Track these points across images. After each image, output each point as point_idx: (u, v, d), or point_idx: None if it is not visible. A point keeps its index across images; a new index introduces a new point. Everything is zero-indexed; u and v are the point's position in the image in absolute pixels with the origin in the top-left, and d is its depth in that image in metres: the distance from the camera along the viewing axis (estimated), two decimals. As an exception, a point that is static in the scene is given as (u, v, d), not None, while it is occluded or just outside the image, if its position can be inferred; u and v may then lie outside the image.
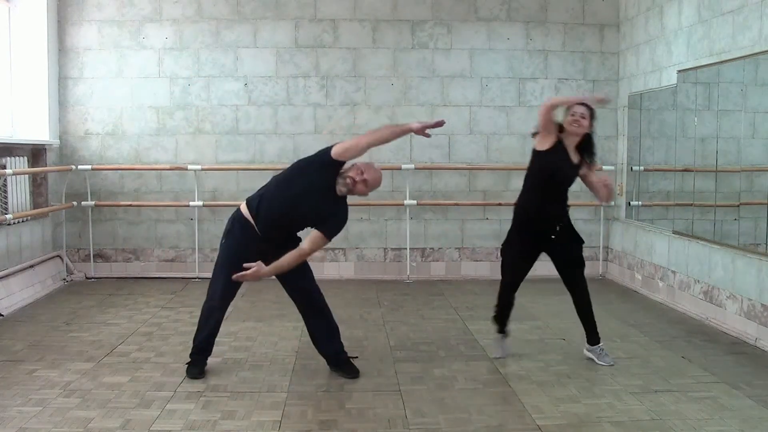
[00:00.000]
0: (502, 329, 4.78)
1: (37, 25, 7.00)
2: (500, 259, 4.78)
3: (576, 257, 4.66)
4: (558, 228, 4.56)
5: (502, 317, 4.77)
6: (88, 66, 7.36)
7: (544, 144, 4.47)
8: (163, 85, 7.40)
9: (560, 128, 4.48)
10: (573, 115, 4.43)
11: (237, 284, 4.23)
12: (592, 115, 4.46)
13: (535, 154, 4.53)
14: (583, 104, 4.48)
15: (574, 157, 4.49)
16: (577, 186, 4.68)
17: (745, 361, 4.70)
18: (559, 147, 4.46)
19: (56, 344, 4.99)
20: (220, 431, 3.54)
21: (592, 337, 4.67)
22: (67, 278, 7.20)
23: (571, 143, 4.48)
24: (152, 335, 5.26)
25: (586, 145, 4.52)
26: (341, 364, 4.41)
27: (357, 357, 4.53)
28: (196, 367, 4.35)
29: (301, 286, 4.36)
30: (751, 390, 4.11)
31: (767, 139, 5.20)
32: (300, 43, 7.44)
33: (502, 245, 4.75)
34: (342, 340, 4.48)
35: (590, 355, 4.66)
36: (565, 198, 4.62)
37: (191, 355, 4.40)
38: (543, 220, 4.55)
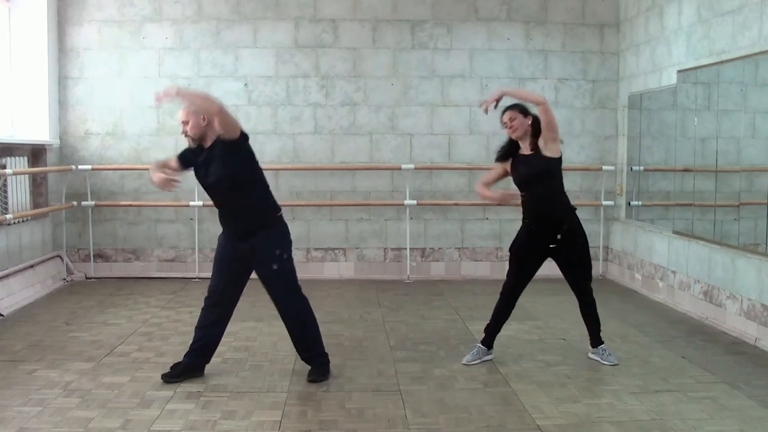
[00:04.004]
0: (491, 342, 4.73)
1: (37, 25, 7.00)
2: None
3: (584, 261, 4.61)
4: (564, 229, 4.48)
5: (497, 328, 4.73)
6: (88, 66, 7.36)
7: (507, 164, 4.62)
8: (163, 85, 7.34)
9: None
10: (504, 125, 4.49)
11: (230, 288, 4.37)
12: (521, 110, 4.46)
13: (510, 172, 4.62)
14: (507, 109, 4.48)
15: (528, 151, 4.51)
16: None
17: (745, 361, 4.70)
18: (516, 158, 4.55)
19: (56, 344, 4.99)
20: (220, 431, 3.55)
21: (595, 339, 4.67)
22: (67, 278, 7.20)
23: (523, 142, 4.51)
24: (152, 335, 5.26)
25: (536, 131, 4.48)
26: (312, 365, 4.33)
27: (329, 362, 4.42)
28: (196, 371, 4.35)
29: (274, 289, 4.35)
30: (751, 390, 4.11)
31: (767, 139, 5.20)
32: (300, 43, 7.44)
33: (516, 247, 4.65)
34: (324, 349, 4.40)
35: (594, 356, 4.66)
36: (554, 196, 4.52)
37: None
38: (543, 221, 4.50)
